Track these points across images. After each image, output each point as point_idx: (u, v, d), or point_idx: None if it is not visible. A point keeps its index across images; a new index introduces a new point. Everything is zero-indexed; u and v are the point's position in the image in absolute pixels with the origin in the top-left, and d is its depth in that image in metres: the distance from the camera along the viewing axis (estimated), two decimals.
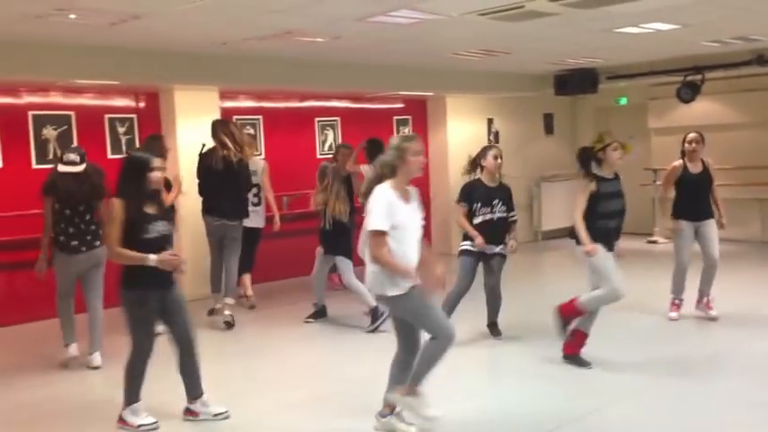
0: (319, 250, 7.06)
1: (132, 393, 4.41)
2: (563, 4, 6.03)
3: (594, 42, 8.34)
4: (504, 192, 6.29)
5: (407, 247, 4.10)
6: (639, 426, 4.32)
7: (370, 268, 4.09)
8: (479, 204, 6.09)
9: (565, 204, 12.37)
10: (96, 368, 5.69)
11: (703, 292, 6.58)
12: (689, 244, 6.54)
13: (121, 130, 8.15)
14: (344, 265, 6.87)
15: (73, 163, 5.60)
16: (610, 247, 5.27)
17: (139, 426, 4.38)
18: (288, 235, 8.27)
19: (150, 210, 4.37)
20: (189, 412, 4.57)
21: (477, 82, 10.63)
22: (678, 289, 6.63)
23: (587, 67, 10.60)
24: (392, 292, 4.04)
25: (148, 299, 4.32)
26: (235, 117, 8.93)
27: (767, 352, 5.61)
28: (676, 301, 6.64)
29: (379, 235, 4.01)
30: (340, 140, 10.00)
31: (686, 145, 6.67)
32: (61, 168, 5.62)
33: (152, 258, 4.25)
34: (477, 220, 6.08)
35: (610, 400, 4.72)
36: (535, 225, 12.12)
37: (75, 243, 5.57)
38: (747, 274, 8.61)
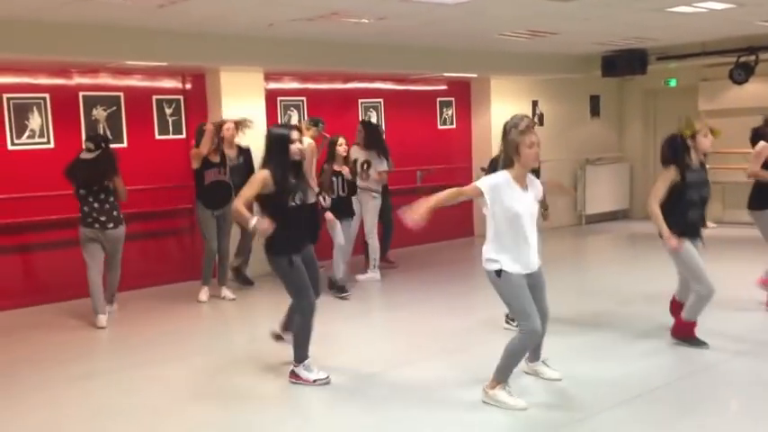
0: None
1: (303, 351, 4.74)
2: None
3: (645, 22, 8.14)
4: None
5: (522, 234, 4.14)
6: None
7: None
8: None
9: (610, 188, 12.25)
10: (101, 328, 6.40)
11: None
12: None
13: (168, 111, 8.26)
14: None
15: (89, 150, 6.39)
16: (696, 238, 5.11)
17: (315, 380, 4.72)
18: None
19: (293, 180, 4.68)
20: (278, 337, 5.11)
21: (522, 63, 10.48)
22: None
23: (636, 47, 10.36)
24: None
25: (297, 260, 4.66)
26: (279, 98, 9.03)
27: None
28: None
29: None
30: (384, 122, 9.98)
31: None
32: (82, 155, 6.41)
33: (252, 222, 4.60)
34: None
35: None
36: (579, 209, 11.96)
37: (90, 220, 6.34)
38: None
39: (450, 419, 4.18)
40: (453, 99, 11.00)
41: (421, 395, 4.54)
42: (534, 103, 11.55)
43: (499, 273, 4.15)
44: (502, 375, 4.26)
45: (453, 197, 4.18)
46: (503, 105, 10.96)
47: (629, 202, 12.55)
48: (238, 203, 4.61)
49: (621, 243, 11.05)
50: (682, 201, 4.98)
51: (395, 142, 8.91)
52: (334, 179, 7.22)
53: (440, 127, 10.83)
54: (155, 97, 8.20)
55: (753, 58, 9.69)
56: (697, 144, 5.01)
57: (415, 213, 4.06)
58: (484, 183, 4.20)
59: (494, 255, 4.17)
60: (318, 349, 4.95)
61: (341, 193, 7.27)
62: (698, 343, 5.21)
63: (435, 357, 5.31)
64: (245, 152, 7.66)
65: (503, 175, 4.19)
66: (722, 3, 7.12)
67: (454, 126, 11.00)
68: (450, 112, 10.97)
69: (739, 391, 4.63)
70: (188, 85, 8.46)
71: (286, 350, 4.95)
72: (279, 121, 8.95)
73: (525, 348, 4.27)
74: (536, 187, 4.32)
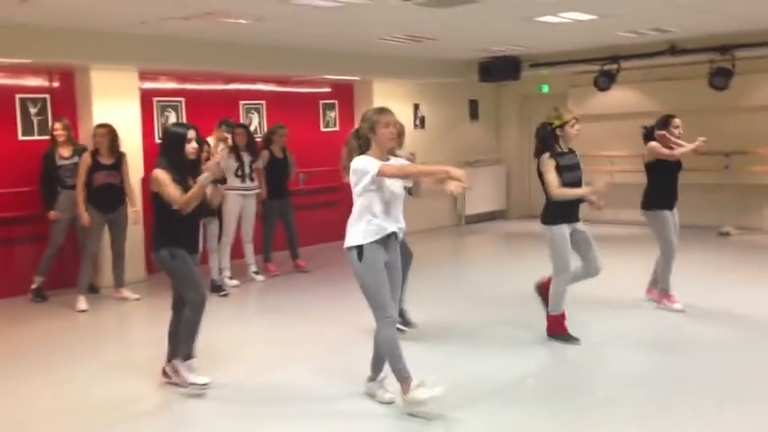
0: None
1: (188, 348, 4.63)
2: None
3: (516, 30, 8.50)
4: None
5: (390, 208, 4.15)
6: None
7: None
8: None
9: (489, 189, 12.68)
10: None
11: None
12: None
13: (33, 110, 7.83)
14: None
15: None
16: (572, 221, 5.31)
17: (192, 383, 4.59)
18: None
19: (191, 182, 4.57)
20: (167, 374, 4.76)
21: (404, 67, 10.69)
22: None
23: (510, 54, 10.81)
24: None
25: (181, 253, 4.57)
26: (155, 99, 8.77)
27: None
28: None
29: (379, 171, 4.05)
30: (265, 124, 9.90)
31: (674, 130, 6.13)
32: None
33: (204, 179, 4.53)
34: None
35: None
36: (459, 209, 12.32)
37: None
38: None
39: (319, 426, 4.18)
40: (336, 101, 11.05)
41: (294, 402, 4.52)
42: (416, 107, 11.79)
43: (361, 254, 4.09)
44: (399, 373, 4.15)
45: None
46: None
47: (506, 202, 13.05)
48: (181, 199, 4.47)
49: (499, 242, 11.47)
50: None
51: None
52: None
53: (323, 129, 10.85)
54: (18, 96, 7.75)
55: (615, 66, 10.32)
56: (565, 133, 5.25)
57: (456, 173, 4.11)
58: (374, 166, 4.07)
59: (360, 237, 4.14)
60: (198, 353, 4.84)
61: None
62: (568, 338, 5.41)
63: (311, 362, 5.29)
64: (80, 152, 7.33)
65: (366, 157, 4.13)
66: (586, 14, 7.55)
67: (337, 128, 11.05)
68: (333, 115, 11.01)
69: (596, 383, 4.91)
70: (55, 84, 8.05)
71: (161, 359, 4.81)
72: (154, 122, 8.70)
73: (393, 337, 4.14)
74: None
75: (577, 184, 5.31)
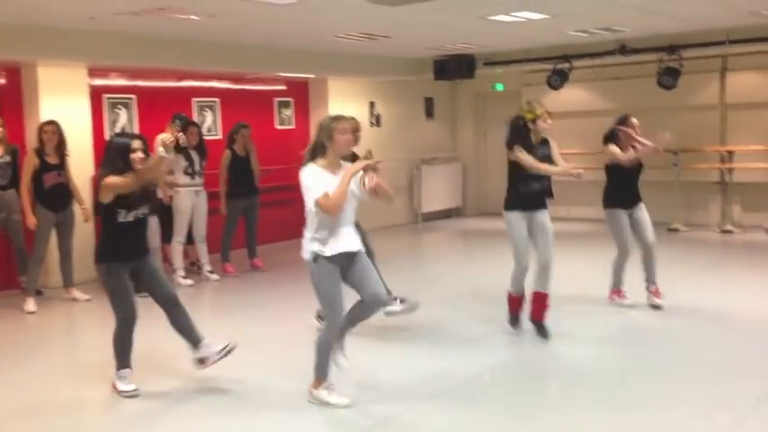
0: None
1: (119, 359, 4.60)
2: None
3: (470, 29, 8.57)
4: None
5: (339, 217, 4.17)
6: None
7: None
8: None
9: (444, 187, 12.77)
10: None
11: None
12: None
13: None
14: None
15: None
16: (533, 209, 5.37)
17: (121, 391, 4.58)
18: None
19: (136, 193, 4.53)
20: (200, 362, 4.73)
21: (359, 65, 10.68)
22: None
23: (465, 53, 10.89)
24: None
25: (118, 270, 4.54)
26: (105, 95, 8.60)
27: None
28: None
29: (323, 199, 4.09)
30: (219, 122, 9.80)
31: (630, 129, 6.18)
32: None
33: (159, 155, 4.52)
34: None
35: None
36: (415, 207, 12.37)
37: None
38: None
39: (268, 424, 4.16)
40: (292, 99, 10.99)
41: (247, 400, 4.49)
42: (371, 105, 11.80)
43: (316, 258, 4.19)
44: (319, 373, 4.30)
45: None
46: (341, 106, 11.09)
47: (461, 200, 13.15)
48: (135, 178, 4.46)
49: (455, 239, 11.56)
50: (520, 174, 5.31)
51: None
52: None
53: (278, 127, 10.79)
54: None
55: (567, 65, 10.49)
56: (537, 127, 5.34)
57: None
58: (318, 190, 4.10)
59: (311, 242, 4.21)
60: (142, 357, 4.77)
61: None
62: (513, 322, 5.62)
63: (258, 362, 5.24)
64: (12, 152, 7.13)
65: (312, 169, 4.17)
66: (537, 13, 7.64)
67: (293, 126, 11.00)
68: (288, 113, 10.96)
69: (554, 376, 4.99)
70: (1, 81, 7.83)
71: (111, 362, 4.72)
72: (104, 120, 8.53)
73: (330, 341, 4.27)
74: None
75: (540, 177, 5.35)
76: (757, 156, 10.38)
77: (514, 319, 5.65)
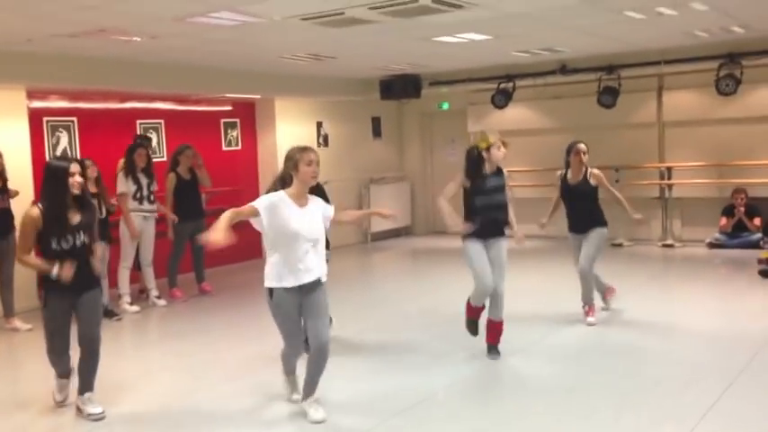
0: None
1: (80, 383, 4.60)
2: (382, 12, 6.22)
3: (415, 50, 8.67)
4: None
5: (295, 252, 4.18)
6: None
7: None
8: None
9: (392, 206, 12.69)
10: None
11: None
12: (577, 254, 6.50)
13: None
14: None
15: None
16: (487, 239, 5.39)
17: (88, 414, 4.55)
18: None
19: (74, 217, 4.43)
20: (77, 408, 4.62)
21: (306, 85, 10.69)
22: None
23: (411, 72, 11.01)
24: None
25: (54, 301, 4.45)
26: (45, 118, 8.39)
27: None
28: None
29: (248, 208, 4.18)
30: (164, 144, 9.66)
31: (577, 156, 6.43)
32: None
33: (53, 270, 4.36)
34: None
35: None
36: (365, 226, 12.37)
37: None
38: (555, 266, 9.31)
39: None
40: (238, 120, 10.91)
41: (200, 428, 4.41)
42: (319, 124, 11.79)
43: (271, 292, 4.23)
44: (285, 376, 4.59)
45: (233, 218, 4.09)
46: (288, 126, 11.09)
47: (410, 218, 13.21)
48: (26, 260, 4.43)
49: (404, 259, 11.59)
50: (473, 206, 5.39)
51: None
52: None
53: (225, 148, 10.68)
54: None
55: (510, 84, 10.69)
56: (491, 156, 5.39)
57: (217, 234, 3.94)
58: (260, 202, 4.22)
59: (269, 272, 4.26)
60: (99, 383, 4.64)
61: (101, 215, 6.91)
62: (470, 326, 5.62)
63: (219, 387, 5.18)
64: None
65: (279, 195, 4.25)
66: (481, 34, 7.78)
67: (239, 147, 10.91)
68: (235, 133, 10.87)
69: (506, 393, 5.03)
70: None
71: (51, 392, 4.58)
72: (45, 143, 8.32)
73: (284, 357, 4.54)
74: (319, 206, 4.38)
75: (497, 207, 5.42)
76: (695, 171, 10.73)
77: (472, 323, 5.63)
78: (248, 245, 11.28)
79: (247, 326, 6.97)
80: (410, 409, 4.57)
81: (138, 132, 9.37)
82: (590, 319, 6.43)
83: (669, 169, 10.84)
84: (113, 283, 7.59)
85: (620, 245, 10.70)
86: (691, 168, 10.75)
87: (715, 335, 6.00)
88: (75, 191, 4.40)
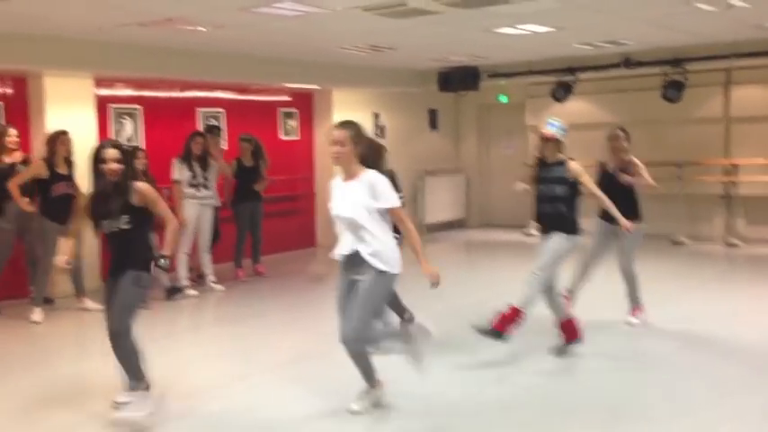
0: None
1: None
2: (444, 3, 6.18)
3: (475, 41, 8.59)
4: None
5: (340, 228, 4.19)
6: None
7: None
8: None
9: (447, 198, 12.76)
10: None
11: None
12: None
13: None
14: None
15: None
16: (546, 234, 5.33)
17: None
18: None
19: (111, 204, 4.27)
20: (116, 404, 4.37)
21: (363, 76, 10.71)
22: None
23: (469, 64, 10.91)
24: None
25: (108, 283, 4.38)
26: (111, 105, 8.63)
27: None
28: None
29: None
30: (225, 132, 9.83)
31: (610, 143, 6.14)
32: None
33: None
34: None
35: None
36: (419, 218, 12.35)
37: None
38: None
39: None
40: (296, 110, 11.01)
41: (258, 416, 4.46)
42: (376, 115, 11.81)
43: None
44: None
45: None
46: (345, 117, 10.97)
47: (465, 211, 13.14)
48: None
49: (459, 251, 11.54)
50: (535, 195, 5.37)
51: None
52: None
53: (282, 138, 10.80)
54: None
55: (572, 77, 10.50)
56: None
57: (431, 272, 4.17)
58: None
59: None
60: (153, 365, 4.75)
61: None
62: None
63: (271, 374, 5.22)
64: (25, 161, 7.10)
65: (337, 179, 4.30)
66: (543, 26, 7.66)
67: (297, 137, 11.02)
68: (293, 123, 10.98)
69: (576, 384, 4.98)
70: (8, 90, 7.86)
71: (112, 378, 4.68)
72: (110, 130, 8.56)
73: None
74: (365, 184, 4.11)
75: (549, 198, 5.25)
76: (761, 169, 10.37)
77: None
78: (302, 233, 11.51)
79: (301, 311, 7.06)
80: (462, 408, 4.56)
81: (202, 121, 9.57)
82: (632, 319, 6.12)
83: (735, 166, 10.51)
84: (172, 269, 7.78)
85: (680, 243, 10.44)
86: (757, 166, 10.41)
87: None
88: (111, 177, 4.22)
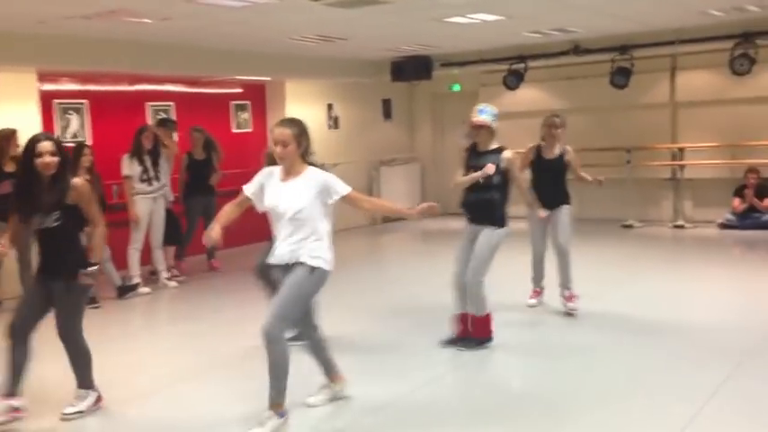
0: None
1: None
2: None
3: (427, 31, 8.62)
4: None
5: (277, 227, 4.01)
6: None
7: None
8: None
9: (403, 187, 12.79)
10: None
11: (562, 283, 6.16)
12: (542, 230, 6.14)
13: None
14: None
15: None
16: (472, 223, 5.33)
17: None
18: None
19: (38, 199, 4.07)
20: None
21: (316, 67, 10.66)
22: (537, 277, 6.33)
23: (422, 54, 10.95)
24: None
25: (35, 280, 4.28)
26: (55, 101, 8.42)
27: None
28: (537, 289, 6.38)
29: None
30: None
31: (546, 129, 6.13)
32: None
33: None
34: None
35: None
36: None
37: None
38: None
39: None
40: (249, 102, 10.90)
41: (204, 413, 4.40)
42: (329, 107, 11.77)
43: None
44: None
45: (233, 212, 4.09)
46: (298, 108, 11.05)
47: (421, 200, 13.19)
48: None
49: (415, 240, 11.60)
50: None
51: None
52: None
53: (234, 131, 10.69)
54: None
55: (522, 65, 10.62)
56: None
57: (213, 233, 3.99)
58: (248, 186, 4.09)
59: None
60: (109, 365, 4.67)
61: None
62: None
63: (224, 371, 5.15)
64: None
65: (269, 170, 4.07)
66: (492, 15, 7.72)
67: (250, 129, 10.91)
68: (245, 116, 10.87)
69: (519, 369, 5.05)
70: None
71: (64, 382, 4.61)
72: (55, 126, 8.35)
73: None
74: (315, 180, 3.97)
75: (484, 186, 5.14)
76: (707, 152, 10.65)
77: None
78: (256, 227, 11.40)
79: (255, 305, 7.00)
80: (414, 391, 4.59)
81: (151, 115, 9.40)
82: (570, 305, 6.06)
83: (681, 150, 10.76)
84: (123, 265, 7.64)
85: (630, 226, 10.66)
86: (703, 149, 10.67)
87: (726, 315, 6.00)
88: (44, 171, 4.02)
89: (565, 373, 4.81)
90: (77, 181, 4.15)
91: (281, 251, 4.00)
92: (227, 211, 4.11)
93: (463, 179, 5.25)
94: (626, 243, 9.61)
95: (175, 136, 8.52)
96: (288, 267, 3.98)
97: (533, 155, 6.17)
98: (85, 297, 4.31)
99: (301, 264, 3.93)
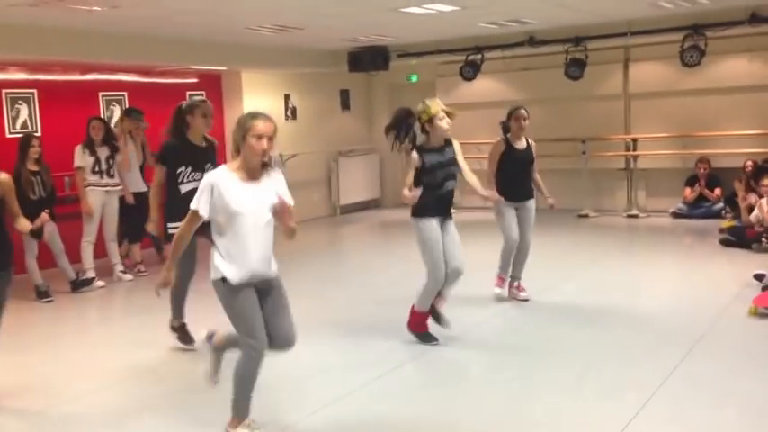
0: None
1: None
2: None
3: (383, 21, 8.60)
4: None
5: (246, 237, 3.48)
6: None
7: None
8: (188, 168, 5.28)
9: (361, 179, 12.78)
10: None
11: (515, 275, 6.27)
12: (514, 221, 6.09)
13: None
14: None
15: None
16: (437, 217, 5.07)
17: None
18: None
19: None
20: None
21: (273, 57, 10.55)
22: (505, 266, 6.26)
23: (379, 44, 10.92)
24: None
25: None
26: (4, 91, 8.19)
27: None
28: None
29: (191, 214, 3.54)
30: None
31: (517, 122, 6.04)
32: None
33: None
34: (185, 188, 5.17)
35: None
36: (333, 200, 12.34)
37: None
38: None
39: None
40: (204, 92, 10.73)
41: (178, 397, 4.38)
42: (287, 97, 11.67)
43: (224, 281, 3.52)
44: (239, 409, 3.63)
45: (179, 246, 3.65)
46: (255, 99, 10.95)
47: (379, 191, 13.20)
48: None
49: (374, 231, 11.60)
50: (423, 182, 4.99)
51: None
52: (33, 179, 6.85)
53: None
54: None
55: (479, 56, 10.67)
56: (434, 128, 4.98)
57: (164, 278, 3.77)
58: (200, 203, 3.50)
59: (218, 261, 3.52)
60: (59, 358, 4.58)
61: (42, 194, 6.90)
62: (428, 338, 5.18)
63: (169, 369, 5.10)
64: None
65: (220, 170, 3.55)
66: (448, 5, 7.73)
67: None
68: None
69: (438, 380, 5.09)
70: None
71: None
72: (5, 117, 8.13)
73: (255, 371, 3.56)
74: (275, 182, 3.59)
75: (448, 178, 5.04)
76: (659, 143, 10.86)
77: (428, 335, 5.21)
78: None
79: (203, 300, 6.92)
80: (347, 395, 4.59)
81: (103, 105, 9.21)
82: (523, 294, 6.23)
83: (635, 141, 10.95)
84: (77, 259, 7.49)
85: (585, 216, 10.82)
86: (656, 140, 10.89)
87: (677, 302, 6.13)
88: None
89: (518, 364, 4.85)
90: (2, 175, 4.19)
91: (257, 266, 3.52)
92: (177, 248, 3.69)
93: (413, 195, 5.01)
94: (581, 233, 9.75)
95: (144, 125, 8.25)
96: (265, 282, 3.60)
97: (504, 146, 6.10)
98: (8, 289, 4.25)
99: (274, 278, 3.63)
